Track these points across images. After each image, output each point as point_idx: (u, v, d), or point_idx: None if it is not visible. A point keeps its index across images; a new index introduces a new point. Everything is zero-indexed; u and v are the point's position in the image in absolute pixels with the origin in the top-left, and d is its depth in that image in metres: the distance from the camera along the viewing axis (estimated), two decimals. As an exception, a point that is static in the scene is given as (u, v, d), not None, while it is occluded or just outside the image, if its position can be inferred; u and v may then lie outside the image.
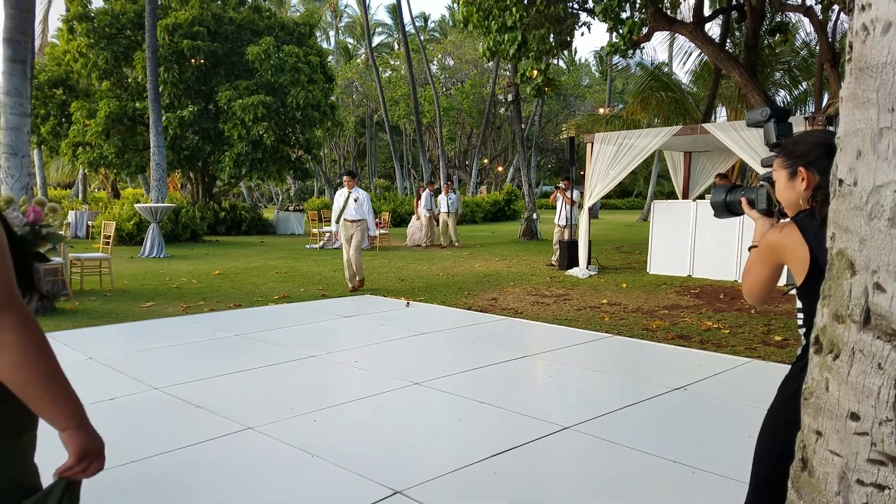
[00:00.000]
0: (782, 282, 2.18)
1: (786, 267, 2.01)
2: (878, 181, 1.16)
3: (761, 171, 2.30)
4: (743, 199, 2.31)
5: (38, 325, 1.35)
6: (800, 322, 2.04)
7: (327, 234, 18.36)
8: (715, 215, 2.49)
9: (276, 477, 3.51)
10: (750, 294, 2.13)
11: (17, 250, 1.42)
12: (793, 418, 1.52)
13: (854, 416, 1.21)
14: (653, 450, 3.86)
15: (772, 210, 2.20)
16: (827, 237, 1.32)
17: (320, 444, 3.92)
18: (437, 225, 19.36)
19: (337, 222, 10.24)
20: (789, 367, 2.06)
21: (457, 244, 18.43)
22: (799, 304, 2.03)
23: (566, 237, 13.44)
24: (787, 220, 2.01)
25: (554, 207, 14.45)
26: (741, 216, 2.40)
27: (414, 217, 19.23)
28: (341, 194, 10.20)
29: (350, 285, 10.09)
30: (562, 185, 13.87)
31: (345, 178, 10.27)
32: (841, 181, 1.26)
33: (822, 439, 1.30)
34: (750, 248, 2.21)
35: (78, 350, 6.13)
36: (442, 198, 18.70)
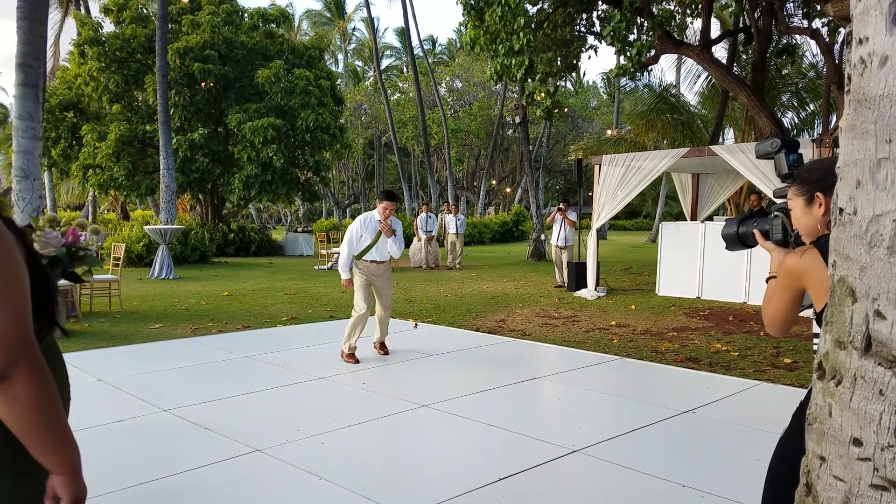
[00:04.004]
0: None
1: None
2: (877, 210, 1.18)
3: (769, 192, 2.30)
4: (756, 231, 2.30)
5: (48, 374, 1.38)
6: (816, 347, 2.04)
7: (335, 255, 18.41)
8: (727, 248, 2.47)
9: (283, 500, 3.52)
10: (772, 324, 2.11)
11: (39, 278, 1.44)
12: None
13: (857, 442, 1.23)
14: (662, 473, 3.85)
15: (787, 240, 2.21)
16: (829, 265, 1.34)
17: (328, 467, 3.93)
18: (442, 246, 19.38)
19: None
20: (798, 389, 2.06)
21: (458, 266, 18.40)
22: (816, 329, 2.03)
23: (565, 258, 13.49)
24: (807, 245, 2.02)
25: (550, 228, 14.48)
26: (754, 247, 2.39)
27: (415, 239, 19.25)
28: None
29: None
30: (561, 205, 13.90)
31: None
32: (841, 210, 1.28)
33: (826, 464, 1.31)
34: (768, 280, 2.20)
35: (87, 372, 6.16)
36: (451, 219, 18.74)
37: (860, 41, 1.21)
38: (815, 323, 2.02)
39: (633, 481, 3.77)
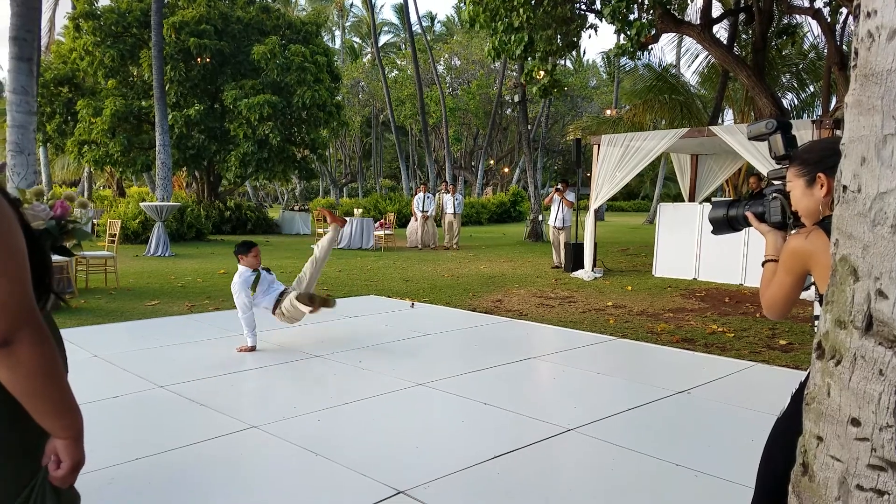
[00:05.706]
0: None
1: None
2: (881, 188, 1.16)
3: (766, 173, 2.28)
4: (749, 214, 2.26)
5: (51, 339, 1.39)
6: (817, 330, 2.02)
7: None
8: (713, 232, 2.43)
9: (279, 476, 3.52)
10: (771, 307, 2.07)
11: (34, 249, 1.43)
12: None
13: (855, 422, 1.22)
14: (656, 453, 3.86)
15: (786, 222, 2.17)
16: (830, 243, 1.32)
17: (324, 444, 3.93)
18: (439, 226, 19.36)
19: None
20: (794, 370, 2.05)
21: (455, 246, 18.35)
22: (818, 311, 2.01)
23: (563, 239, 13.48)
24: (811, 226, 1.99)
25: (548, 208, 14.45)
26: (743, 230, 2.35)
27: (412, 219, 19.20)
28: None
29: None
30: (559, 186, 13.86)
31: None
32: (845, 187, 1.26)
33: (823, 444, 1.30)
34: (764, 263, 2.17)
35: (83, 348, 6.15)
36: (448, 198, 18.69)
37: (868, 14, 1.19)
38: (816, 304, 2.00)
39: (628, 460, 3.78)
